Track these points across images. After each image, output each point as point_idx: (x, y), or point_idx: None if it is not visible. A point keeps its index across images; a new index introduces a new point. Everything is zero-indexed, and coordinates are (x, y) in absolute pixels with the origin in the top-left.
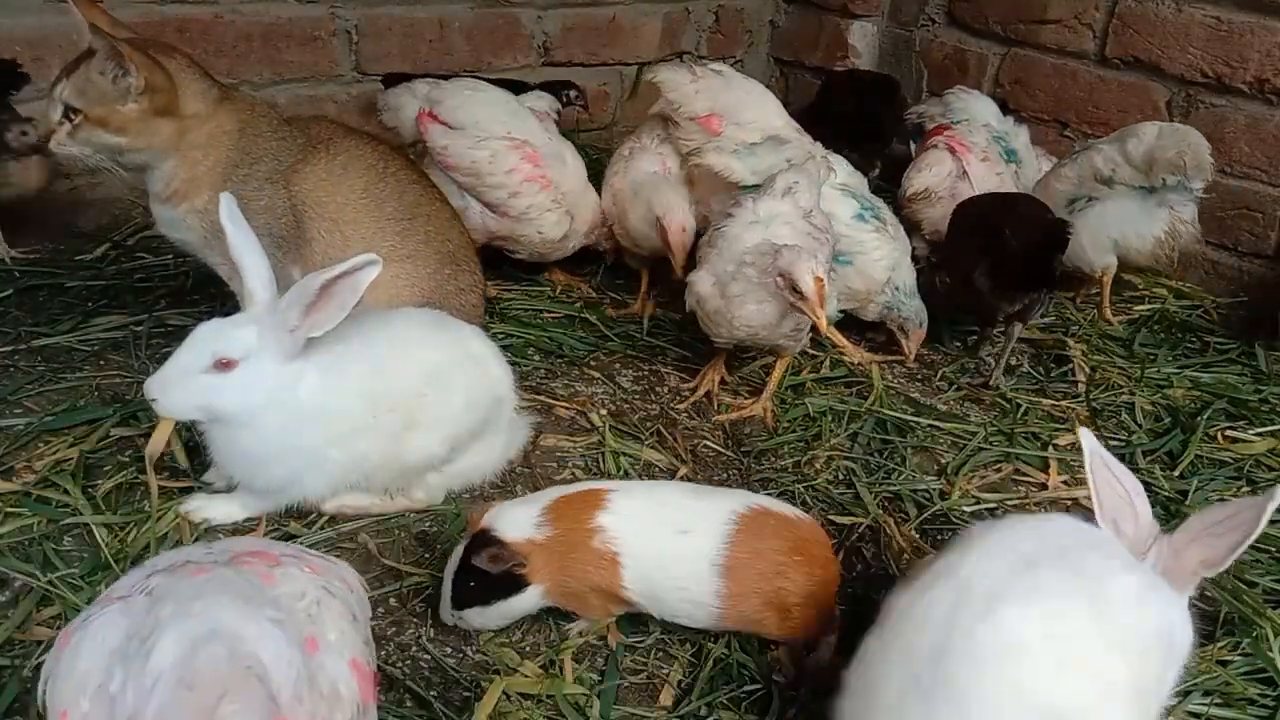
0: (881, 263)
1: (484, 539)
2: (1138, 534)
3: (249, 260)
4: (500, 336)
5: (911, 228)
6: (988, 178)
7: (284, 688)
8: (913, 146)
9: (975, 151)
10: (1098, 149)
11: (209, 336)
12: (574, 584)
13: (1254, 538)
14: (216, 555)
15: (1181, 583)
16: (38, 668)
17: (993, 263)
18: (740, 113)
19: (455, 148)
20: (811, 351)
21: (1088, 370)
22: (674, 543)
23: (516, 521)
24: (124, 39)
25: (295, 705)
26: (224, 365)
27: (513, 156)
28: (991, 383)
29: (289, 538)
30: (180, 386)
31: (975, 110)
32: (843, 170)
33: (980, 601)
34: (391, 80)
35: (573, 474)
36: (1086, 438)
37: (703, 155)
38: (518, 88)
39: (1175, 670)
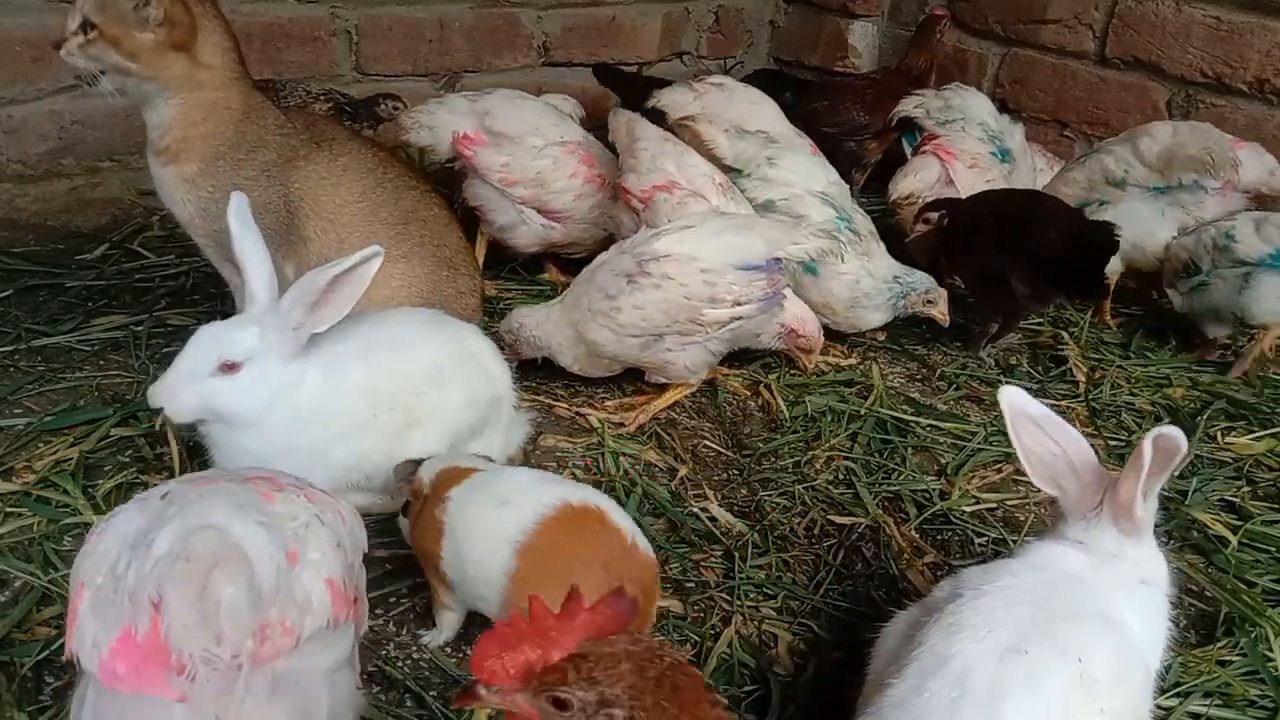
0: (844, 278)
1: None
2: (1082, 487)
3: (253, 261)
4: (499, 336)
5: (906, 230)
6: (975, 185)
7: (265, 578)
8: (906, 145)
9: (963, 158)
10: (1107, 151)
11: (211, 340)
12: (418, 548)
13: (1145, 472)
14: (230, 476)
15: (1132, 529)
16: (37, 665)
17: (1033, 267)
18: (745, 124)
19: (517, 162)
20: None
21: (1085, 370)
22: (490, 513)
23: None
24: None
25: (271, 597)
26: (228, 368)
27: (571, 160)
28: (980, 352)
29: None
30: (185, 391)
31: (972, 108)
32: (824, 179)
33: (980, 699)
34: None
35: (572, 474)
36: (1006, 394)
37: (696, 121)
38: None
39: (1156, 671)
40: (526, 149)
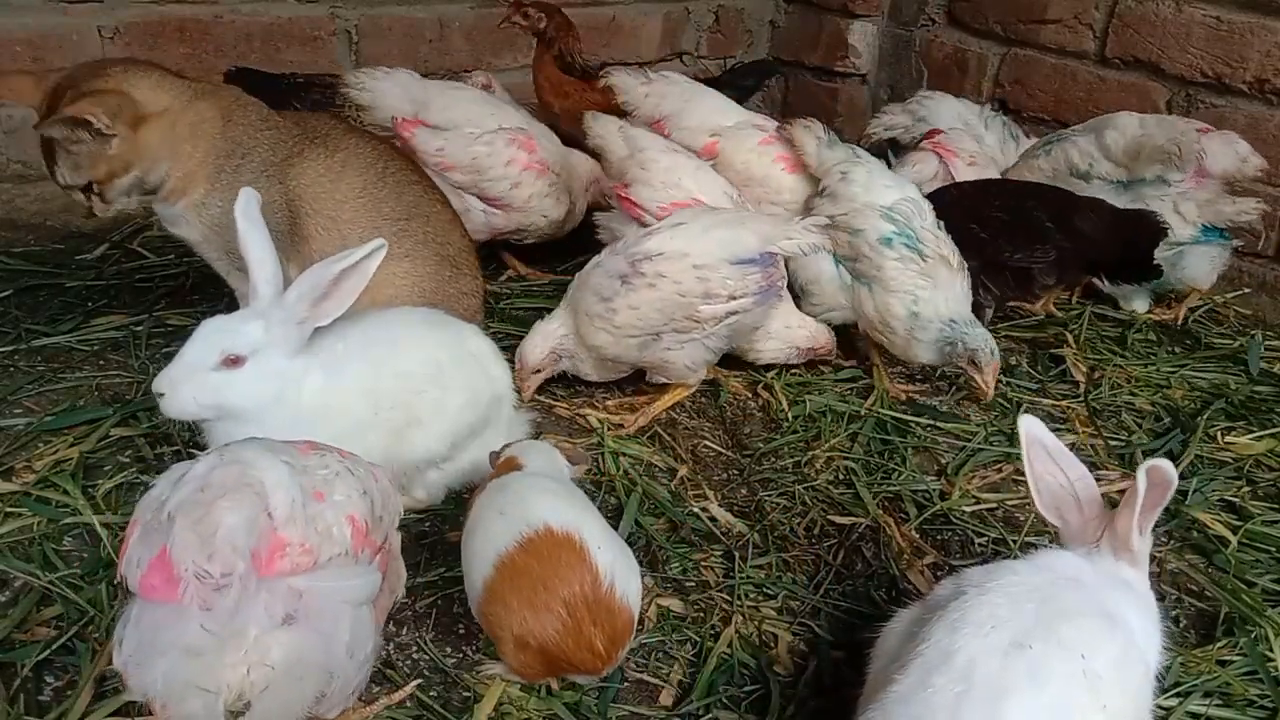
0: (898, 296)
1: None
2: (1084, 521)
3: (258, 257)
4: (499, 336)
5: None
6: None
7: (280, 508)
8: (893, 158)
9: (962, 155)
10: (1072, 141)
11: (216, 333)
12: None
13: (1139, 508)
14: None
15: (1133, 560)
16: (37, 666)
17: (1064, 260)
18: (681, 118)
19: (452, 147)
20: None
21: (1085, 370)
22: (489, 518)
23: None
24: (55, 97)
25: (289, 525)
26: (233, 362)
27: (510, 148)
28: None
29: None
30: (189, 384)
31: (940, 114)
32: (896, 194)
33: (984, 694)
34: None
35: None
36: (1026, 424)
37: (794, 126)
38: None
39: (1154, 676)
40: (463, 135)
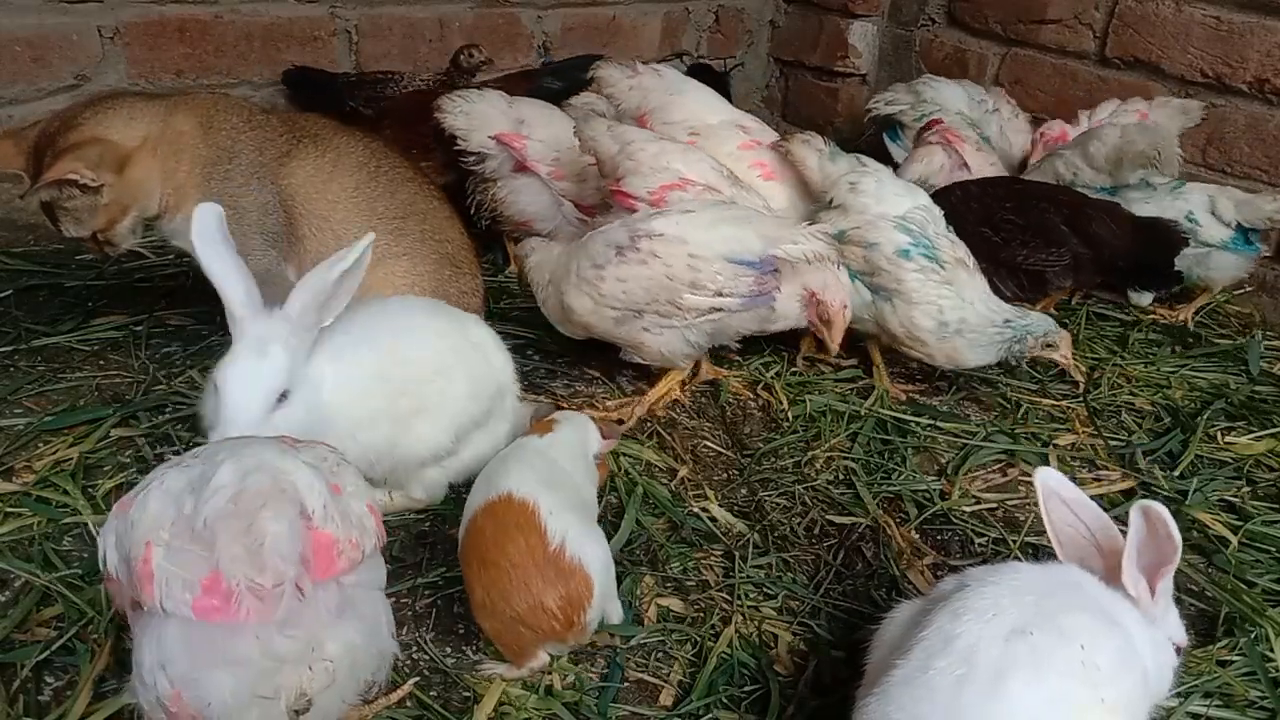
0: (922, 307)
1: None
2: (1108, 570)
3: (222, 277)
4: (501, 336)
5: None
6: (983, 168)
7: (316, 508)
8: (889, 142)
9: (970, 142)
10: (1059, 154)
11: (257, 378)
12: None
13: (1134, 549)
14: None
15: (1145, 611)
16: (37, 666)
17: (1081, 265)
18: (666, 114)
19: (565, 158)
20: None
21: (1084, 370)
22: (480, 480)
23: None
24: (36, 157)
25: (327, 521)
26: (283, 398)
27: None
28: None
29: None
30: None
31: (946, 99)
32: (909, 203)
33: (985, 677)
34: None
35: None
36: (1042, 476)
37: (792, 141)
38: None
39: (1155, 699)
40: (572, 149)
